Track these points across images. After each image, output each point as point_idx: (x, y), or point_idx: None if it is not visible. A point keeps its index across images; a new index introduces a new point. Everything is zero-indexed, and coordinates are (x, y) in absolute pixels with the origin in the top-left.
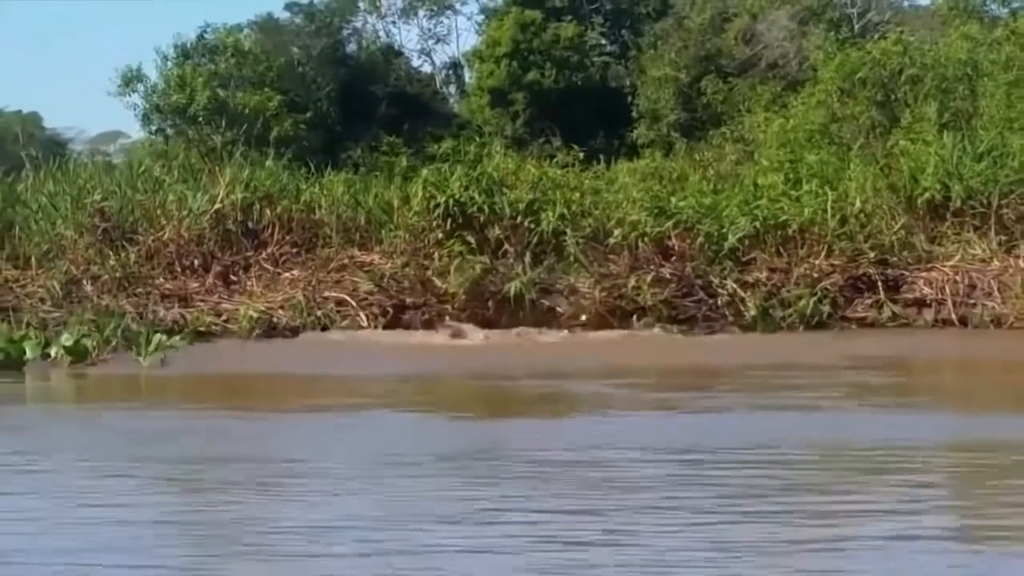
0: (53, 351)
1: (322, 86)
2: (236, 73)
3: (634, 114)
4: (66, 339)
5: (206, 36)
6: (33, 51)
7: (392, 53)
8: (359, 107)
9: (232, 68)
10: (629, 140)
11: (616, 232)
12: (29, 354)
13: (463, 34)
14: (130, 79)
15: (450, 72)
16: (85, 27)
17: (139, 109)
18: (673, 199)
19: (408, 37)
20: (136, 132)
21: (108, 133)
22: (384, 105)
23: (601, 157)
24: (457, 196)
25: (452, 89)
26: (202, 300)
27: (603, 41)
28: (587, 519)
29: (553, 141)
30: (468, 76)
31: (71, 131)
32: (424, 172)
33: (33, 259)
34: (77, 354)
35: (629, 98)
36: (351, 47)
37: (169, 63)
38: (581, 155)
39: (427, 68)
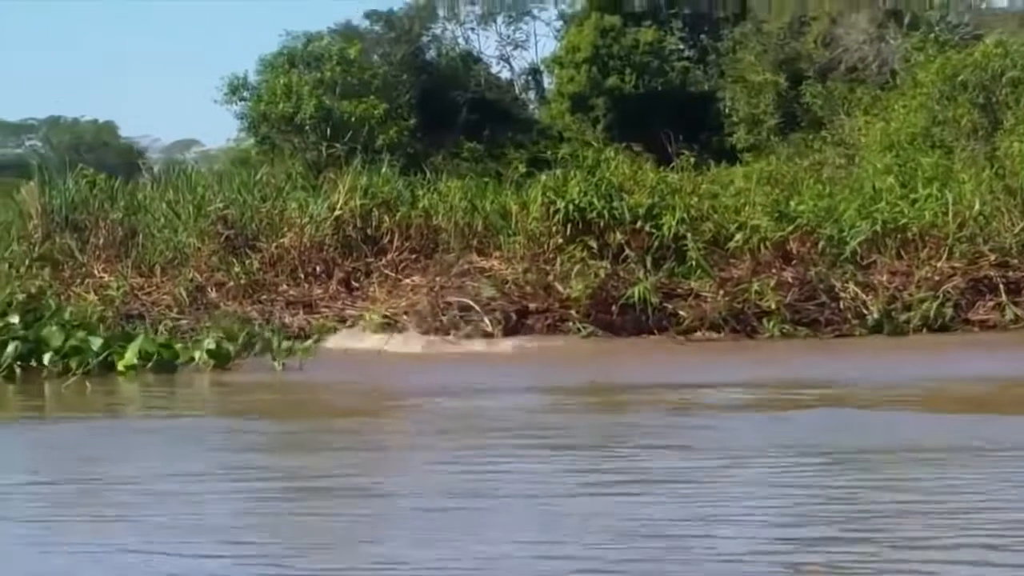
0: (196, 356)
1: (403, 93)
2: (342, 81)
3: (722, 118)
4: (209, 344)
5: (312, 45)
6: (107, 60)
7: (471, 59)
8: (440, 114)
9: (338, 76)
10: (713, 144)
11: (737, 236)
12: (183, 359)
13: (542, 40)
14: (236, 87)
15: (529, 78)
16: (160, 34)
17: (245, 118)
18: (792, 203)
19: (487, 44)
20: (210, 141)
21: (182, 141)
22: (464, 111)
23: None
24: (577, 201)
25: (531, 95)
26: (326, 306)
27: (681, 46)
28: None
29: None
30: (547, 82)
31: (146, 140)
32: (543, 178)
33: (158, 267)
34: (219, 359)
35: (717, 103)
36: (431, 54)
37: (276, 71)
38: (692, 159)
39: (506, 74)
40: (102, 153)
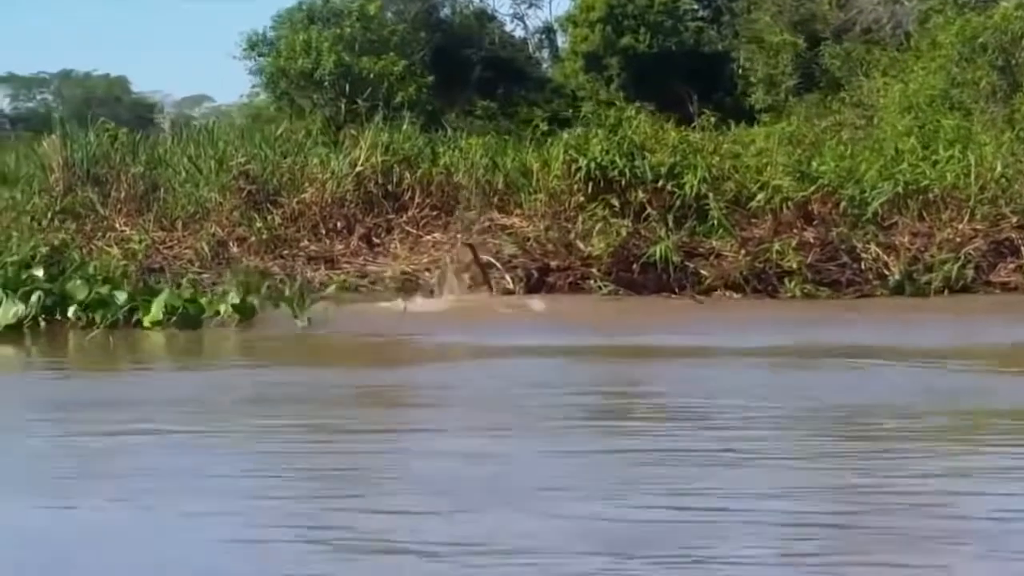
0: (221, 309)
1: (417, 51)
2: (361, 38)
3: (736, 78)
4: (233, 298)
5: (330, 1)
6: (119, 14)
7: (485, 18)
8: (453, 71)
9: (357, 32)
10: (727, 104)
11: (759, 196)
12: (209, 313)
13: None
14: (255, 43)
15: (543, 37)
16: None
17: (263, 73)
18: (814, 163)
19: (501, 2)
20: (221, 97)
21: (193, 97)
22: (478, 69)
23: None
24: (599, 160)
25: (545, 54)
26: (347, 262)
27: (695, 6)
28: None
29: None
30: (561, 41)
31: (157, 95)
32: (564, 136)
33: (179, 221)
34: (243, 312)
35: (731, 63)
36: (445, 11)
37: (295, 27)
38: (713, 119)
39: (520, 33)
40: (114, 108)
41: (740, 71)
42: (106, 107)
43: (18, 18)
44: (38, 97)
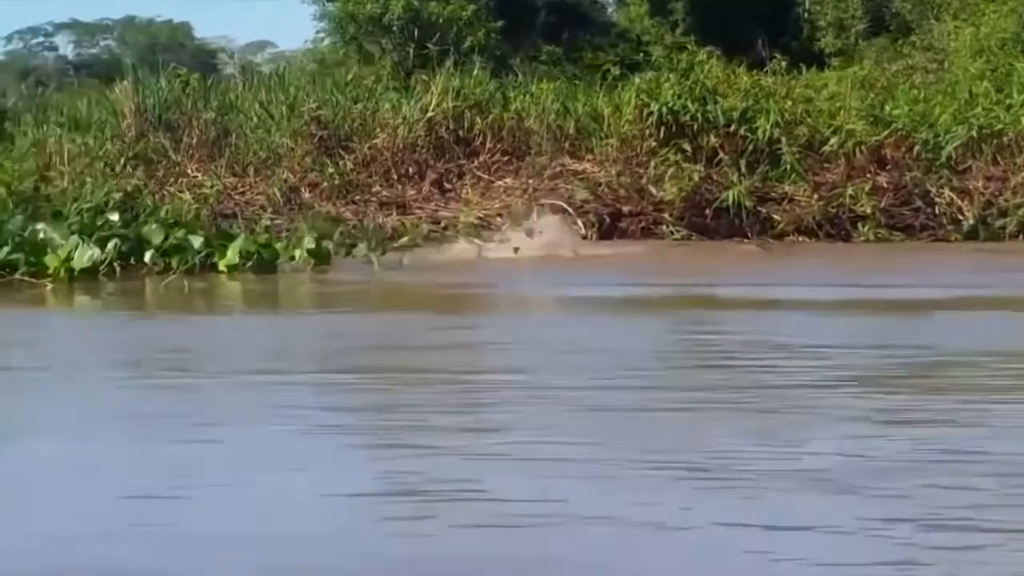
0: (296, 255)
1: None
2: None
3: (802, 22)
4: (308, 243)
5: None
6: None
7: None
8: (518, 16)
9: None
10: (793, 48)
11: (832, 140)
12: (284, 258)
13: None
14: None
15: None
16: None
17: (331, 18)
18: (887, 107)
19: None
20: (284, 42)
21: (255, 43)
22: (543, 14)
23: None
24: (670, 104)
25: None
26: (419, 207)
27: None
28: None
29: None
30: None
31: (220, 40)
32: (636, 80)
33: (251, 167)
34: (319, 257)
35: (796, 6)
36: None
37: None
38: (784, 63)
39: None
40: (177, 54)
41: (806, 15)
42: (170, 53)
43: None
44: (101, 43)
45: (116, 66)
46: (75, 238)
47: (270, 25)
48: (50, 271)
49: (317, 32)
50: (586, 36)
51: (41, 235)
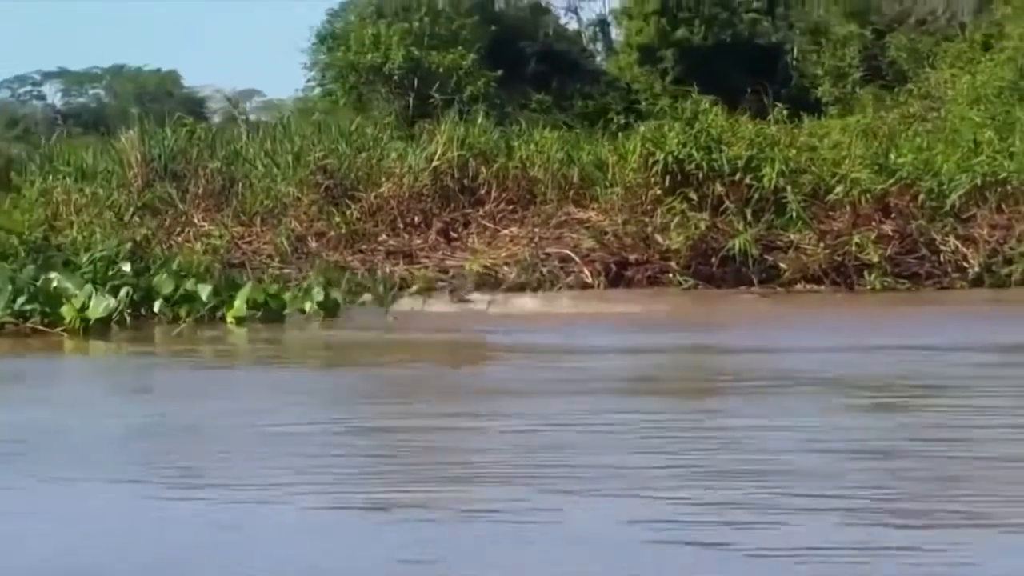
0: (306, 307)
1: (479, 44)
2: (429, 31)
3: (791, 70)
4: (318, 294)
5: None
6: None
7: (539, 10)
8: (508, 65)
9: (426, 27)
10: (783, 96)
11: (837, 189)
12: (291, 309)
13: None
14: (324, 37)
15: (597, 29)
16: None
17: (330, 68)
18: (891, 156)
19: None
20: (272, 91)
21: (243, 91)
22: (533, 62)
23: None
24: (676, 153)
25: (599, 46)
26: (426, 256)
27: None
28: None
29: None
30: (615, 33)
31: (207, 89)
32: (642, 129)
33: (258, 217)
34: (328, 309)
35: (786, 55)
36: (499, 4)
37: (364, 20)
38: (785, 112)
39: (574, 25)
40: (166, 102)
41: (794, 63)
42: (158, 102)
43: (69, 12)
44: (90, 92)
45: (103, 115)
46: (89, 287)
47: (257, 73)
48: (66, 321)
49: (308, 81)
50: (576, 84)
51: (55, 284)
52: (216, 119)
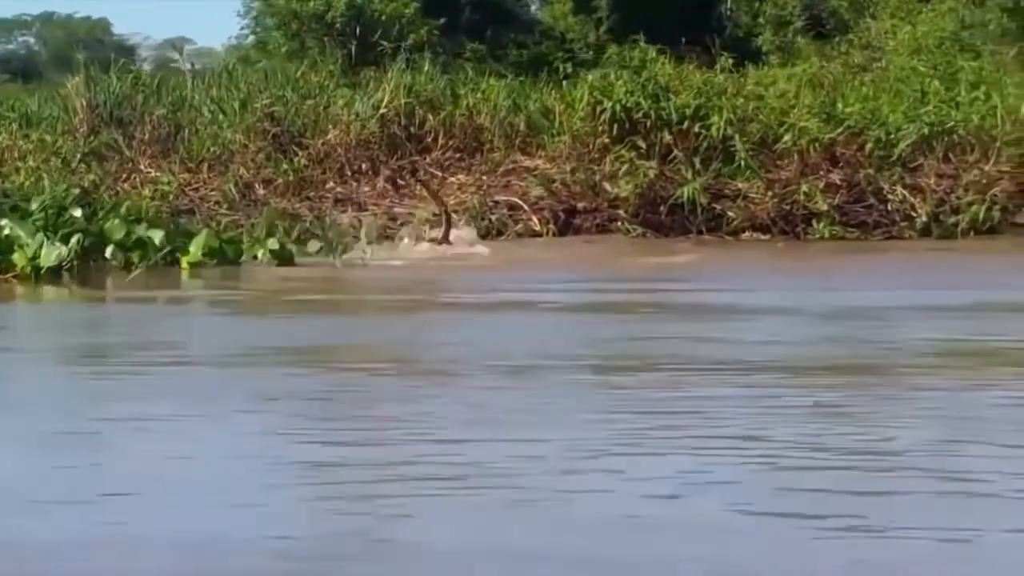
0: (260, 254)
1: None
2: None
3: (725, 20)
4: (272, 243)
5: None
6: None
7: None
8: (443, 14)
9: None
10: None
11: (785, 138)
12: (247, 256)
13: None
14: None
15: None
16: None
17: (275, 15)
18: (839, 105)
19: None
20: (201, 39)
21: (174, 39)
22: (467, 11)
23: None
24: (624, 102)
25: None
26: (375, 204)
27: None
28: None
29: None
30: None
31: (137, 36)
32: (590, 78)
33: (204, 163)
34: (282, 258)
35: (719, 4)
36: None
37: None
38: (731, 61)
39: None
40: (97, 50)
41: (728, 12)
42: (89, 49)
43: None
44: (19, 39)
45: (33, 62)
46: (40, 235)
47: (187, 21)
48: (17, 268)
49: (241, 29)
50: (510, 34)
51: (6, 232)
52: (146, 67)
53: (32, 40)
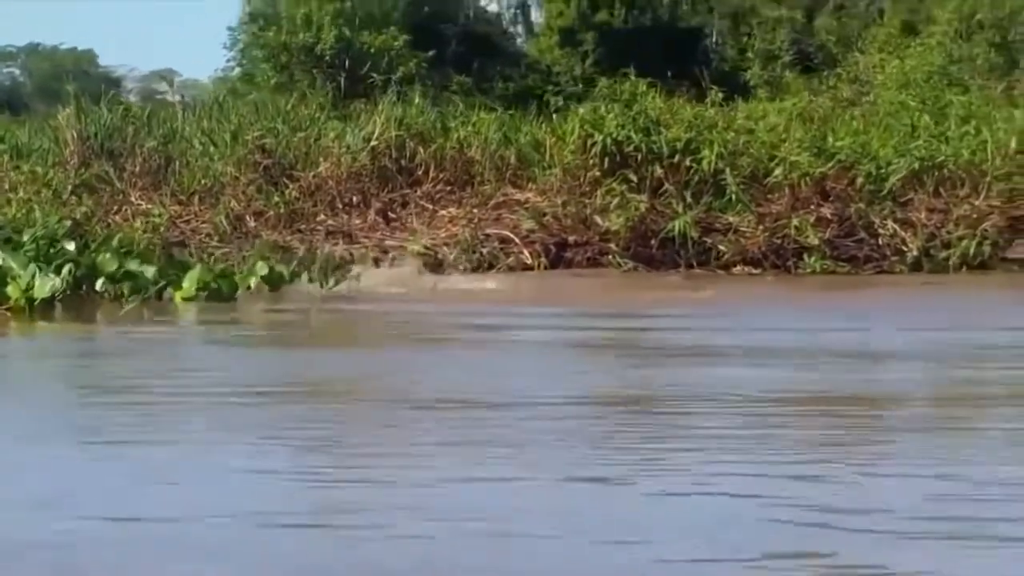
0: (252, 283)
1: (403, 24)
2: (361, 12)
3: (711, 53)
4: (262, 269)
5: None
6: None
7: None
8: (429, 47)
9: (357, 6)
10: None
11: (776, 171)
12: (241, 288)
13: None
14: (256, 17)
15: (518, 12)
16: None
17: (264, 48)
18: (829, 139)
19: None
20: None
21: (160, 71)
22: (453, 44)
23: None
24: (615, 135)
25: (519, 29)
26: (366, 236)
27: None
28: None
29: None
30: (535, 16)
31: (123, 68)
32: (580, 111)
33: (196, 196)
34: (272, 282)
35: (705, 38)
36: None
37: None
38: (720, 95)
39: (494, 7)
40: (83, 81)
41: (715, 46)
42: (75, 81)
43: None
44: (4, 70)
45: (18, 93)
46: (33, 267)
47: (173, 53)
48: (11, 300)
49: (228, 61)
50: (496, 67)
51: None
52: (132, 98)
53: (17, 71)
